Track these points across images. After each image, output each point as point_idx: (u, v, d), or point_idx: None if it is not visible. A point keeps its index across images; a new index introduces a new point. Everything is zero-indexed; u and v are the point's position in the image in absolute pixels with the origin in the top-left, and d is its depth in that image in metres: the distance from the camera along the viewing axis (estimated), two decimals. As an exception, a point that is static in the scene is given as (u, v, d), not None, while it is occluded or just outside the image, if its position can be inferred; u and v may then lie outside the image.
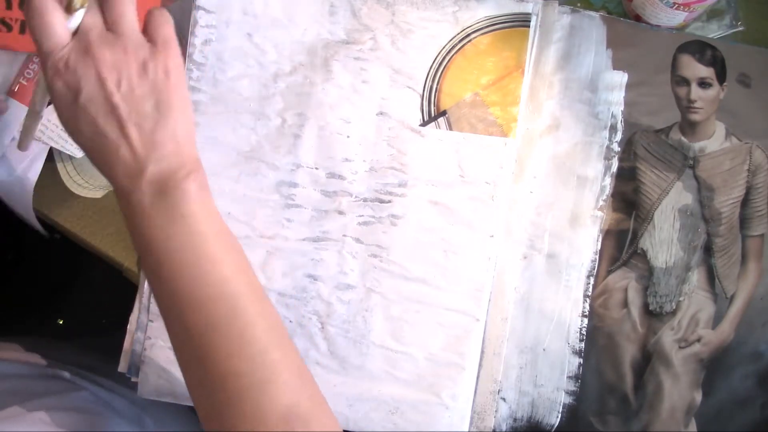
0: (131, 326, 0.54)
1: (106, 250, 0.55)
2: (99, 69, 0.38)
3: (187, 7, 0.54)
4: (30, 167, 0.54)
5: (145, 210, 0.39)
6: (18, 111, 0.53)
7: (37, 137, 0.53)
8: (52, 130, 0.54)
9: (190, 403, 0.53)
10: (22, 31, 0.47)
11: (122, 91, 0.39)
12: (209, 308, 0.39)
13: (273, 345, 0.40)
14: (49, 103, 0.52)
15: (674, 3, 0.53)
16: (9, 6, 0.47)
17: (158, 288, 0.40)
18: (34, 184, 0.54)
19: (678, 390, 0.53)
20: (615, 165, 0.55)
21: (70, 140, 0.53)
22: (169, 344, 0.53)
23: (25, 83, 0.53)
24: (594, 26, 0.56)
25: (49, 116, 0.53)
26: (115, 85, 0.39)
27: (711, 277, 0.54)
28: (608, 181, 0.55)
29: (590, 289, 0.54)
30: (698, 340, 0.54)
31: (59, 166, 0.55)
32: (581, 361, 0.53)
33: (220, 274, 0.40)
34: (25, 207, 0.54)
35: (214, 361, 0.39)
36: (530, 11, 0.56)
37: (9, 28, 0.47)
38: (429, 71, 0.55)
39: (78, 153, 0.54)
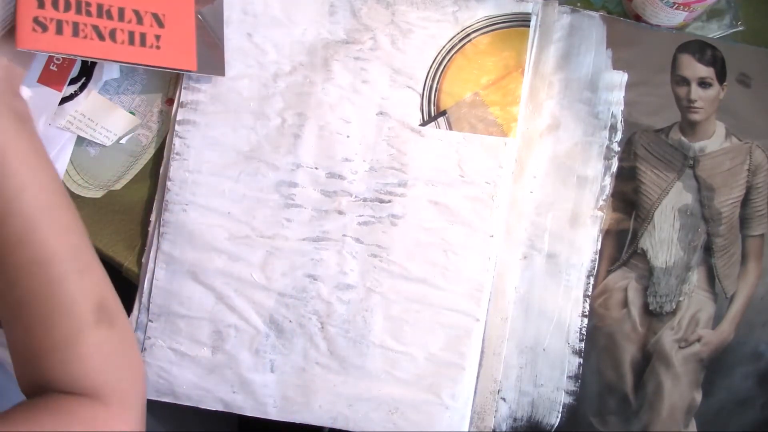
0: (131, 326, 0.53)
1: (105, 250, 0.55)
2: None
3: (219, 9, 0.54)
4: (57, 157, 0.54)
5: None
6: (49, 96, 0.53)
7: (66, 127, 0.54)
8: (80, 120, 0.54)
9: (190, 403, 0.53)
10: (59, 31, 0.48)
11: None
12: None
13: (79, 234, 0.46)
14: (66, 99, 0.54)
15: (674, 3, 0.53)
16: (42, 5, 0.48)
17: None
18: (63, 174, 0.55)
19: (678, 390, 0.53)
20: (615, 165, 0.55)
21: (98, 129, 0.54)
22: (169, 344, 0.53)
23: (55, 69, 0.53)
24: (594, 26, 0.56)
25: (77, 107, 0.54)
26: None
27: (711, 277, 0.54)
28: (608, 181, 0.55)
29: (590, 289, 0.54)
30: (698, 340, 0.54)
31: (59, 165, 0.55)
32: (581, 361, 0.53)
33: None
34: None
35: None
36: (530, 11, 0.56)
37: (44, 28, 0.47)
38: (429, 71, 0.55)
39: (108, 141, 0.54)
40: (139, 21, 0.50)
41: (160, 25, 0.51)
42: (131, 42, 0.50)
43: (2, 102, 0.45)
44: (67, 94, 0.54)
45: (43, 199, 0.44)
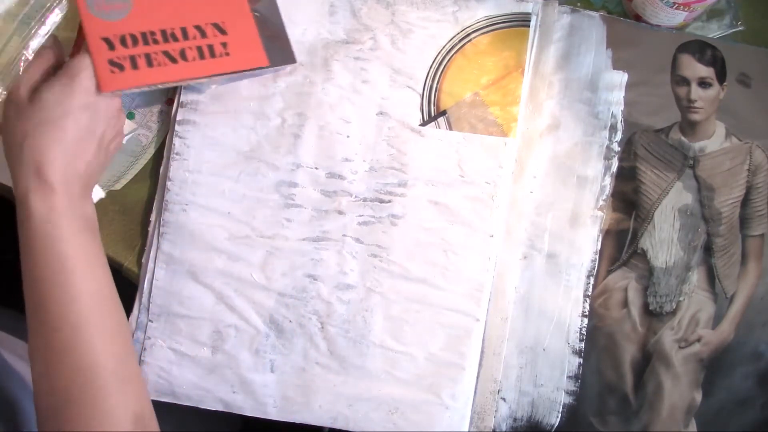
0: (131, 326, 0.54)
1: (105, 250, 0.55)
2: None
3: (273, 2, 0.55)
4: None
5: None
6: None
7: None
8: None
9: (190, 403, 0.53)
10: (134, 66, 0.50)
11: None
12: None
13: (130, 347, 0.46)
14: None
15: (674, 3, 0.53)
16: (112, 47, 0.50)
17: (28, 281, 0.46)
18: None
19: (678, 390, 0.53)
20: (615, 165, 0.55)
21: None
22: (169, 344, 0.53)
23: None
24: (594, 26, 0.56)
25: None
26: None
27: (711, 276, 0.54)
28: (608, 181, 0.55)
29: (590, 289, 0.54)
30: (698, 340, 0.54)
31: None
32: (581, 361, 0.53)
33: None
34: None
35: (83, 350, 0.44)
36: (530, 11, 0.56)
37: (121, 68, 0.49)
38: (429, 71, 0.55)
39: None
40: (203, 35, 0.51)
41: (223, 32, 0.52)
42: (201, 56, 0.51)
43: (75, 207, 0.45)
44: None
45: (95, 307, 0.45)
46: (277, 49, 0.54)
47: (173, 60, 0.51)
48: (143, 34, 0.50)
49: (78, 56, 0.46)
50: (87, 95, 0.46)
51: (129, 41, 0.50)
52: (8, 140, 0.46)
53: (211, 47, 0.52)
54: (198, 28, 0.51)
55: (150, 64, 0.50)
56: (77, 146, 0.45)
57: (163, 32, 0.51)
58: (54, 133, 0.44)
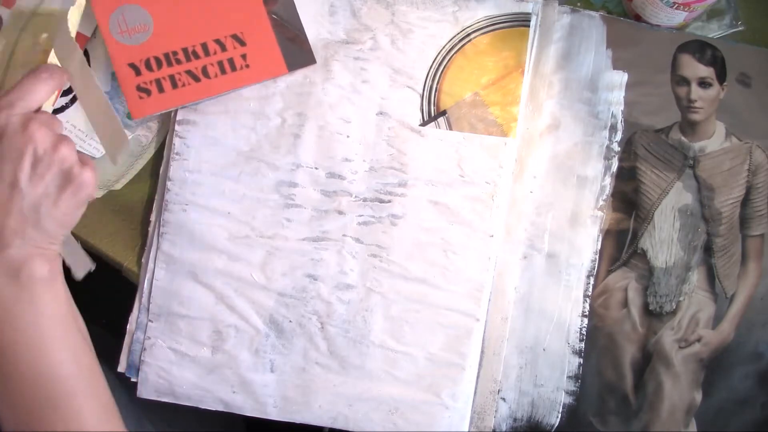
0: (131, 326, 0.54)
1: (105, 250, 0.55)
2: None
3: (289, 1, 0.55)
4: None
5: None
6: None
7: None
8: (70, 131, 0.54)
9: (190, 403, 0.53)
10: (160, 89, 0.52)
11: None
12: (45, 386, 0.43)
13: (102, 426, 0.44)
14: (57, 111, 0.54)
15: (674, 2, 0.53)
16: (138, 72, 0.51)
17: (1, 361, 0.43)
18: None
19: (678, 390, 0.53)
20: (615, 165, 0.55)
21: (87, 141, 0.54)
22: (169, 344, 0.53)
23: None
24: (594, 26, 0.56)
25: (67, 118, 0.54)
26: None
27: (711, 277, 0.54)
28: (608, 181, 0.55)
29: (590, 289, 0.54)
30: (698, 340, 0.54)
31: (59, 166, 0.55)
32: (581, 361, 0.53)
33: (56, 356, 0.44)
34: None
35: None
36: (530, 11, 0.56)
37: (148, 93, 0.51)
38: (429, 71, 0.55)
39: (97, 153, 0.54)
40: (223, 48, 0.53)
41: (242, 43, 0.53)
42: (223, 72, 0.53)
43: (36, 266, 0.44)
44: (59, 106, 0.54)
45: (56, 326, 0.45)
46: (296, 52, 0.54)
47: (196, 79, 0.52)
48: (166, 55, 0.52)
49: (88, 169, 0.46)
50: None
51: (153, 64, 0.51)
52: None
53: (231, 61, 0.53)
54: (218, 42, 0.53)
55: (175, 85, 0.52)
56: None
57: (185, 50, 0.52)
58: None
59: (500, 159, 0.54)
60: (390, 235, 0.54)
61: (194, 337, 0.53)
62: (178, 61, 0.52)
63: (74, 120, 0.54)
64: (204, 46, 0.53)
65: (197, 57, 0.52)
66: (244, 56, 0.53)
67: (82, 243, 0.55)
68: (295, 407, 0.53)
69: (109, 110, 0.51)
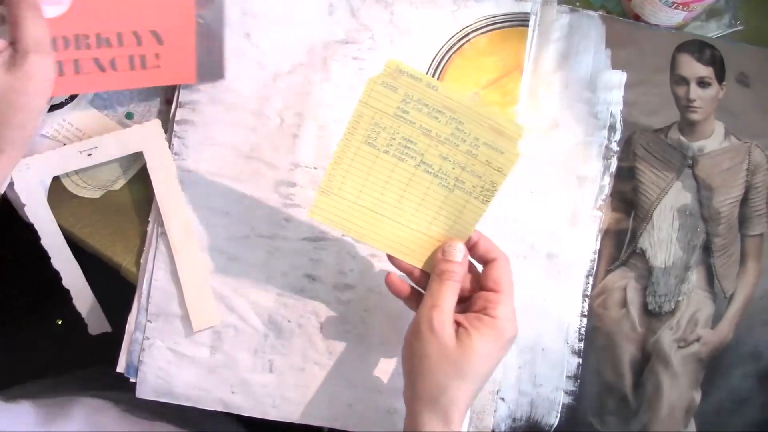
0: (129, 326, 0.54)
1: (104, 250, 0.55)
2: None
3: (219, 8, 0.54)
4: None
5: None
6: None
7: (53, 136, 0.54)
8: (68, 129, 0.54)
9: (189, 404, 0.53)
10: (61, 72, 0.48)
11: None
12: None
13: None
14: (55, 108, 0.53)
15: (673, 2, 0.53)
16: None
17: None
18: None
19: (677, 390, 0.53)
20: (614, 164, 0.55)
21: (87, 140, 0.54)
22: (168, 345, 0.53)
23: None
24: (593, 26, 0.56)
25: (65, 116, 0.54)
26: None
27: (710, 276, 0.54)
28: (607, 181, 0.55)
29: (589, 289, 0.54)
30: (697, 340, 0.54)
31: (58, 166, 0.55)
32: (580, 360, 0.53)
33: None
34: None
35: None
36: (529, 11, 0.55)
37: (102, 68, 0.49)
38: (428, 71, 0.55)
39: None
40: (139, 43, 0.50)
41: (160, 42, 0.51)
42: (132, 67, 0.50)
43: None
44: (57, 102, 0.54)
45: None
46: (209, 64, 0.53)
47: (102, 68, 0.49)
48: (77, 37, 0.48)
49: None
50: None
51: (60, 44, 0.47)
52: None
53: (143, 58, 0.50)
54: (135, 34, 0.50)
55: (77, 70, 0.48)
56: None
57: (98, 36, 0.49)
58: None
59: (499, 159, 0.54)
60: (389, 235, 0.54)
61: (193, 338, 0.53)
62: (88, 46, 0.48)
63: (71, 118, 0.54)
64: (119, 36, 0.49)
65: (109, 45, 0.49)
66: (157, 56, 0.50)
67: (81, 243, 0.55)
68: (295, 407, 0.53)
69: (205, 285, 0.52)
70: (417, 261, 0.46)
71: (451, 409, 0.42)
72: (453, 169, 0.44)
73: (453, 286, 0.44)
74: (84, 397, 0.56)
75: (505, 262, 0.45)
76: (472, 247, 0.46)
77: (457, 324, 0.43)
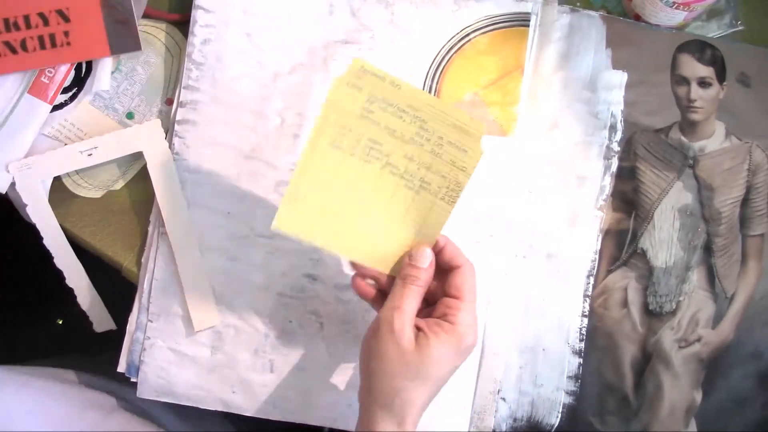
0: (130, 326, 0.54)
1: (105, 250, 0.55)
2: None
3: None
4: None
5: None
6: (39, 107, 0.54)
7: (54, 135, 0.54)
8: (69, 129, 0.54)
9: (190, 403, 0.53)
10: (24, 48, 0.50)
11: None
12: None
13: None
14: (56, 108, 0.53)
15: (674, 2, 0.53)
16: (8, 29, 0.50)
17: None
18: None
19: (678, 390, 0.53)
20: (615, 164, 0.55)
21: (85, 139, 0.54)
22: (169, 344, 0.53)
23: (46, 81, 0.54)
24: (593, 26, 0.56)
25: (66, 116, 0.54)
26: None
27: (711, 276, 0.54)
28: (608, 181, 0.55)
29: (590, 289, 0.54)
30: (698, 340, 0.54)
31: (58, 166, 0.55)
32: (581, 361, 0.53)
33: None
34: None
35: None
36: (530, 11, 0.55)
37: (14, 51, 0.50)
38: (428, 71, 0.55)
39: (98, 160, 0.55)
40: (45, 23, 0.52)
41: (66, 20, 0.52)
42: (42, 47, 0.52)
43: None
44: (58, 102, 0.54)
45: None
46: (122, 36, 0.54)
47: (13, 51, 0.51)
48: None
49: None
50: None
51: None
52: None
53: (53, 37, 0.52)
54: (41, 15, 0.52)
55: None
56: None
57: (6, 21, 0.51)
58: None
59: (500, 159, 0.54)
60: (389, 235, 0.54)
61: (194, 337, 0.53)
62: None
63: (73, 118, 0.54)
64: (26, 18, 0.51)
65: (18, 28, 0.51)
66: (66, 33, 0.52)
67: (82, 243, 0.55)
68: (295, 407, 0.53)
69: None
70: (385, 267, 0.46)
71: (405, 411, 0.42)
72: (418, 169, 0.44)
73: (416, 291, 0.44)
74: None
75: (469, 269, 0.45)
76: (438, 253, 0.46)
77: (417, 328, 0.43)
